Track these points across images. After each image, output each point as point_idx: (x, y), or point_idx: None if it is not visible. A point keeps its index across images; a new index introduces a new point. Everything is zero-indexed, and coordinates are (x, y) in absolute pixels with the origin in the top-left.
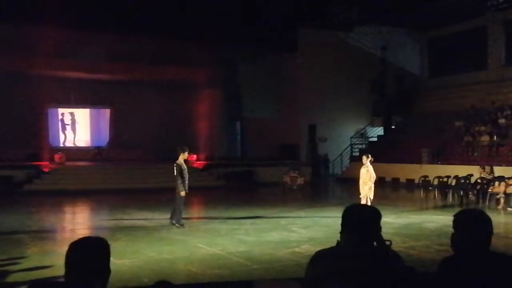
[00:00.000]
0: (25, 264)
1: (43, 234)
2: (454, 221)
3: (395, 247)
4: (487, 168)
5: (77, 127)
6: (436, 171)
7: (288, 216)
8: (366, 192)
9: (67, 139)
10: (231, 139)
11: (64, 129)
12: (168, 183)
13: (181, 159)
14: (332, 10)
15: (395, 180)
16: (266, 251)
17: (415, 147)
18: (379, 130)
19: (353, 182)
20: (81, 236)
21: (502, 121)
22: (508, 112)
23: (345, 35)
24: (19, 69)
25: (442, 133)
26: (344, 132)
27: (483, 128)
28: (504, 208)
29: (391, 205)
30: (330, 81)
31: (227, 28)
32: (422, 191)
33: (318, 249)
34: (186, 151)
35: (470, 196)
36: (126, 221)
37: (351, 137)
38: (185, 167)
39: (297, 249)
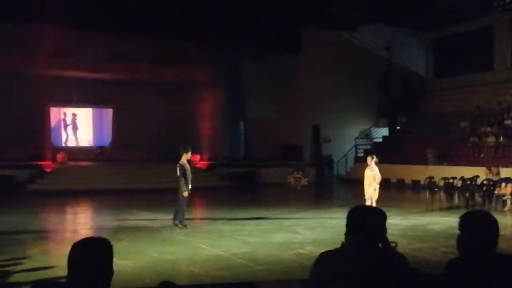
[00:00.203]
0: (27, 264)
1: (46, 234)
2: (460, 223)
3: (400, 248)
4: (493, 170)
5: (79, 127)
6: (442, 172)
7: (292, 217)
8: (371, 193)
9: (69, 139)
10: (234, 140)
11: (66, 129)
12: (171, 184)
13: (184, 159)
14: (335, 9)
15: (401, 181)
16: (270, 253)
17: (421, 148)
18: (384, 131)
19: (358, 183)
20: (83, 237)
21: (508, 122)
22: None
23: (349, 35)
24: (20, 68)
25: (448, 134)
26: (348, 133)
27: (489, 129)
28: (511, 210)
29: (397, 206)
30: (334, 81)
31: (228, 28)
32: (428, 193)
33: (322, 250)
34: (189, 151)
35: (476, 197)
36: (129, 222)
37: (356, 138)
38: (188, 167)
39: (301, 251)
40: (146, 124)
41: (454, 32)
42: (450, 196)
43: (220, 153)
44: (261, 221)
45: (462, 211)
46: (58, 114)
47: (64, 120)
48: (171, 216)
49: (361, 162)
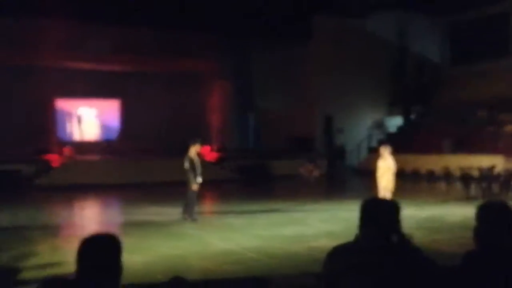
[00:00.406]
0: (35, 260)
1: (53, 230)
2: (477, 214)
3: (416, 240)
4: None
5: (86, 120)
6: (458, 161)
7: (304, 210)
8: (385, 184)
9: (76, 132)
10: (244, 131)
11: (72, 122)
12: (180, 177)
13: (192, 151)
14: None
15: (415, 172)
16: (282, 246)
17: (436, 137)
18: (398, 120)
19: (371, 174)
20: (92, 232)
21: None
22: None
23: (361, 22)
24: (25, 62)
25: (464, 122)
26: (361, 123)
27: (507, 117)
28: None
29: (412, 197)
30: (346, 70)
31: (237, 18)
32: (444, 183)
33: (336, 243)
34: (197, 144)
35: (493, 187)
36: (138, 216)
37: (368, 128)
38: (197, 160)
39: (313, 244)
40: (153, 117)
41: (470, 18)
42: (466, 186)
43: (230, 145)
44: (273, 214)
45: (479, 202)
46: (64, 107)
47: (71, 114)
48: (181, 210)
49: (374, 153)
